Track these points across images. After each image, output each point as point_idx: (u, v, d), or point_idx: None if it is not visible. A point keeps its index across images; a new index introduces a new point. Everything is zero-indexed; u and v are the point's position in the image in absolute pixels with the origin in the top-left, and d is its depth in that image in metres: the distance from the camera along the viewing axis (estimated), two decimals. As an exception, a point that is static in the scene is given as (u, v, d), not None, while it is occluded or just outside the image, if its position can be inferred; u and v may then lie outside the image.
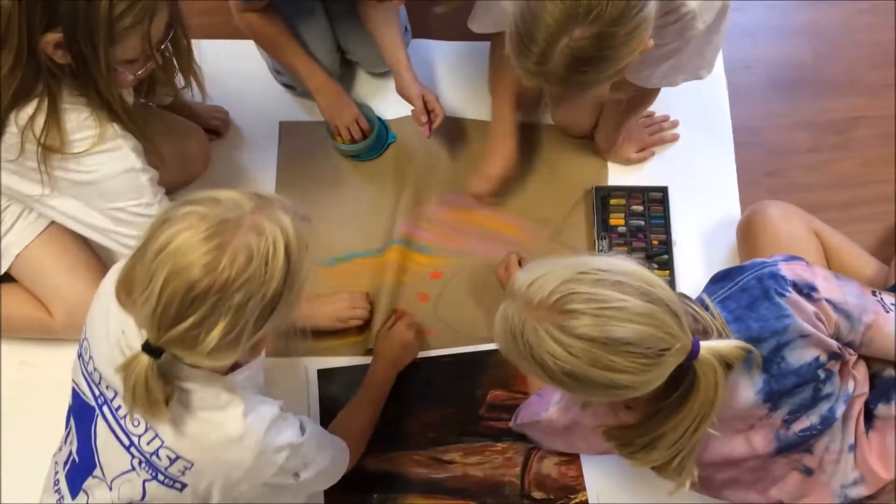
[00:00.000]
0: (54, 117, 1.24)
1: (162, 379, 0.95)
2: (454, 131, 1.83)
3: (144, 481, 1.06)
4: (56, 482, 1.17)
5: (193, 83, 1.40)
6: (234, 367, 1.06)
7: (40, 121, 1.24)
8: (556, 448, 1.48)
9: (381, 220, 1.74)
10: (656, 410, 1.05)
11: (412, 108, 1.67)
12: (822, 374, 1.13)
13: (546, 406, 1.35)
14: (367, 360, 1.59)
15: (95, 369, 1.07)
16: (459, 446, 1.54)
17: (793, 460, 1.20)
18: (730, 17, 1.36)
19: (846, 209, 1.73)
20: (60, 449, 1.19)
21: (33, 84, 1.22)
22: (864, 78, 1.88)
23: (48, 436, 1.25)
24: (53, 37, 1.15)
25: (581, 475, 1.50)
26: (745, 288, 1.13)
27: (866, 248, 1.55)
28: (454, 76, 1.89)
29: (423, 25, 1.91)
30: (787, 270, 1.13)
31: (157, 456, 1.03)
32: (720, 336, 1.04)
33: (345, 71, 1.88)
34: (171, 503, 1.07)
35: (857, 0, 1.97)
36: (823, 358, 1.13)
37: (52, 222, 1.44)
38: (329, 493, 1.48)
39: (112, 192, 1.31)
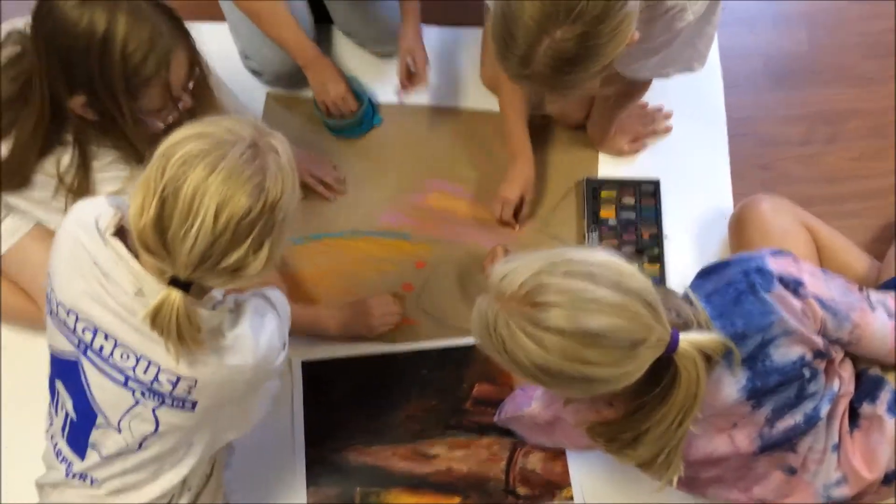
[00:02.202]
0: (83, 163, 1.28)
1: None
2: (441, 119, 1.81)
3: (154, 409, 1.06)
4: (58, 453, 1.15)
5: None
6: None
7: (71, 168, 1.27)
8: (540, 443, 1.47)
9: (358, 204, 1.73)
10: (639, 406, 1.03)
11: (407, 62, 1.67)
12: (807, 373, 1.12)
13: (529, 401, 1.33)
14: (352, 352, 1.58)
15: (69, 312, 1.06)
16: (444, 440, 1.52)
17: (776, 459, 1.18)
18: (725, 6, 1.33)
19: (837, 203, 1.71)
20: (52, 423, 1.17)
21: (60, 135, 1.25)
22: (858, 68, 1.85)
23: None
24: (79, 99, 1.18)
25: (567, 471, 1.49)
26: (731, 282, 1.11)
27: (857, 244, 1.53)
28: (442, 62, 1.86)
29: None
30: (774, 265, 1.11)
31: (158, 381, 1.03)
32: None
33: (346, 48, 1.87)
34: (186, 425, 1.08)
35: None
36: (809, 356, 1.11)
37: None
38: (311, 486, 1.47)
39: None
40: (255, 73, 1.81)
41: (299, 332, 1.50)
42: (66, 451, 1.14)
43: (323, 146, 1.78)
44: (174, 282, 0.95)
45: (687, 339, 0.97)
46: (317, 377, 1.56)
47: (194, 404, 1.06)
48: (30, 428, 1.28)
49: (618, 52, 1.08)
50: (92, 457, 1.11)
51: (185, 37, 1.22)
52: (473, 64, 1.84)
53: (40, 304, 1.47)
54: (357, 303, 1.58)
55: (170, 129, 1.30)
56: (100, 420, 1.09)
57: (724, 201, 1.72)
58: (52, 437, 1.17)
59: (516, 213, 1.68)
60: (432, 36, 1.89)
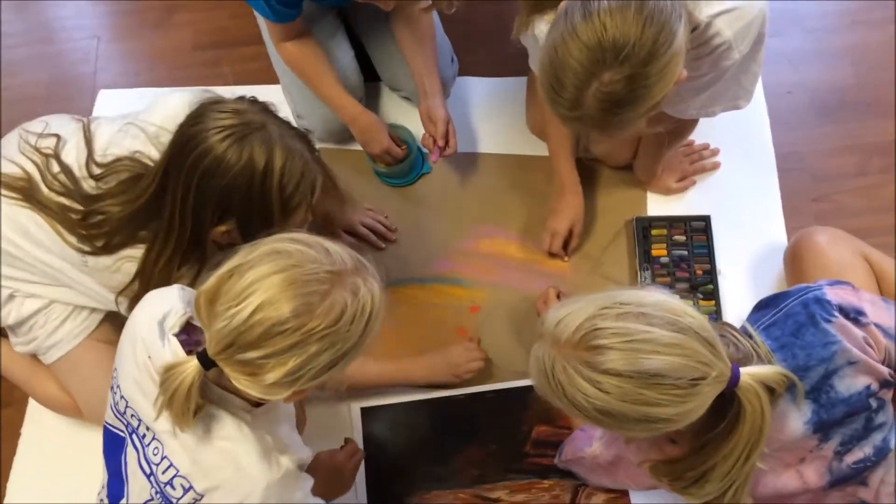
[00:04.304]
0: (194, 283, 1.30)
1: (200, 391, 0.97)
2: (489, 165, 1.85)
3: None
4: None
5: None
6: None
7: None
8: (602, 484, 1.45)
9: (411, 252, 1.76)
10: (704, 442, 1.02)
11: (429, 129, 1.70)
12: (873, 404, 1.10)
13: (590, 441, 1.33)
14: (410, 397, 1.59)
15: (122, 397, 1.09)
16: (505, 483, 1.51)
17: (847, 493, 1.15)
18: (768, 44, 1.35)
19: (896, 233, 1.69)
20: (104, 486, 1.20)
21: (186, 260, 1.28)
22: (908, 99, 1.84)
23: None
24: (223, 227, 1.22)
25: (631, 512, 1.47)
26: (790, 314, 1.10)
27: (921, 273, 1.50)
28: (488, 111, 1.91)
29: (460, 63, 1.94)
30: (833, 295, 1.10)
31: (172, 486, 1.03)
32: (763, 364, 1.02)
33: (394, 102, 1.93)
34: None
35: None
36: (875, 386, 1.09)
37: (99, 326, 1.47)
38: (374, 533, 1.48)
39: None
40: (308, 131, 1.87)
41: (385, 386, 1.57)
42: None
43: (374, 196, 1.82)
44: (202, 355, 0.95)
45: (748, 372, 0.97)
46: (375, 423, 1.58)
47: None
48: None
49: (666, 92, 1.10)
50: None
51: (321, 160, 1.28)
52: (519, 112, 1.88)
53: (85, 411, 1.51)
54: (441, 352, 1.59)
55: None
56: (122, 502, 1.12)
57: (777, 235, 1.71)
58: (101, 501, 1.20)
59: (565, 246, 1.70)
60: (479, 87, 1.95)
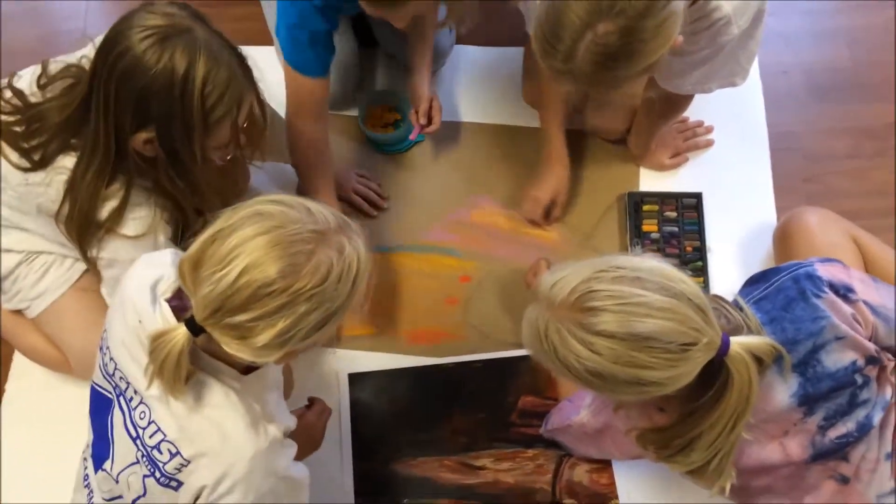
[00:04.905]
0: (122, 205, 1.28)
1: (190, 358, 0.96)
2: (483, 135, 1.84)
3: (144, 477, 1.06)
4: (86, 478, 1.18)
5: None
6: (252, 367, 1.06)
7: (111, 207, 1.27)
8: (587, 454, 1.47)
9: (403, 220, 1.76)
10: (691, 410, 1.04)
11: (415, 105, 1.70)
12: (859, 380, 1.11)
13: (577, 411, 1.34)
14: (398, 365, 1.60)
15: (111, 359, 1.08)
16: (490, 452, 1.53)
17: (828, 468, 1.17)
18: (766, 22, 1.35)
19: (886, 217, 1.69)
20: (88, 445, 1.20)
21: (114, 178, 1.26)
22: (903, 83, 1.85)
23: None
24: (145, 135, 1.18)
25: (613, 482, 1.48)
26: (781, 288, 1.12)
27: (908, 258, 1.51)
28: (484, 81, 1.90)
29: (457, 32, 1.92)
30: (824, 271, 1.12)
31: (158, 450, 1.03)
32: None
33: (391, 67, 1.91)
34: (167, 503, 1.07)
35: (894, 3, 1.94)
36: (861, 362, 1.11)
37: (84, 274, 1.45)
38: (359, 497, 1.49)
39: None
40: None
41: None
42: (92, 478, 1.16)
43: (367, 162, 1.81)
44: (190, 322, 0.94)
45: (738, 342, 0.98)
46: (363, 389, 1.59)
47: (179, 484, 1.04)
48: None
49: (661, 53, 1.10)
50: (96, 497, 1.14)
51: (253, 79, 1.25)
52: (515, 82, 1.87)
53: (74, 364, 1.49)
54: None
55: (230, 163, 1.33)
56: (107, 464, 1.11)
57: (768, 214, 1.72)
58: (84, 460, 1.20)
59: (547, 215, 1.71)
60: (476, 56, 1.94)
